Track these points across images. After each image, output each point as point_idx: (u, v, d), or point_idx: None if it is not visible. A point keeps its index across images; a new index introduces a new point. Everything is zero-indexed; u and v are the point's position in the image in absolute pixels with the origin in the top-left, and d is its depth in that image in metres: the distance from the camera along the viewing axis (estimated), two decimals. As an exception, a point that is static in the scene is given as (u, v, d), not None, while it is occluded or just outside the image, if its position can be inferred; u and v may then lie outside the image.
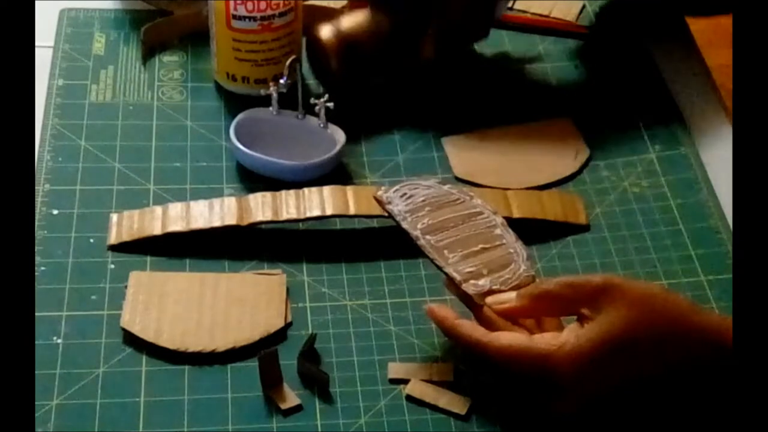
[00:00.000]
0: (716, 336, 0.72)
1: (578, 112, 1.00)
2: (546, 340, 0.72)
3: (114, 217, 0.87)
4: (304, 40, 0.99)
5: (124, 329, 0.79)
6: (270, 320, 0.81)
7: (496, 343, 0.73)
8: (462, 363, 0.79)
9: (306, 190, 0.88)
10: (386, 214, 0.83)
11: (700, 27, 1.06)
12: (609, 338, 0.71)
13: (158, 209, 0.88)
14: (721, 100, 1.01)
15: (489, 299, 0.76)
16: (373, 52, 0.97)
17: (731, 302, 0.82)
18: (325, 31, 0.96)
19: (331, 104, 0.92)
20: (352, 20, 0.97)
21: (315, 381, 0.77)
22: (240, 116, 0.94)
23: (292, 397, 0.76)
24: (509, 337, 0.73)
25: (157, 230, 0.86)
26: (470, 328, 0.75)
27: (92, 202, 0.89)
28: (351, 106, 0.96)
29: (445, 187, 0.83)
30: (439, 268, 0.78)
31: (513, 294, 0.76)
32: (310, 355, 0.78)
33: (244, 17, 0.94)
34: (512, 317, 0.75)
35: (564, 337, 0.72)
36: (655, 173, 0.94)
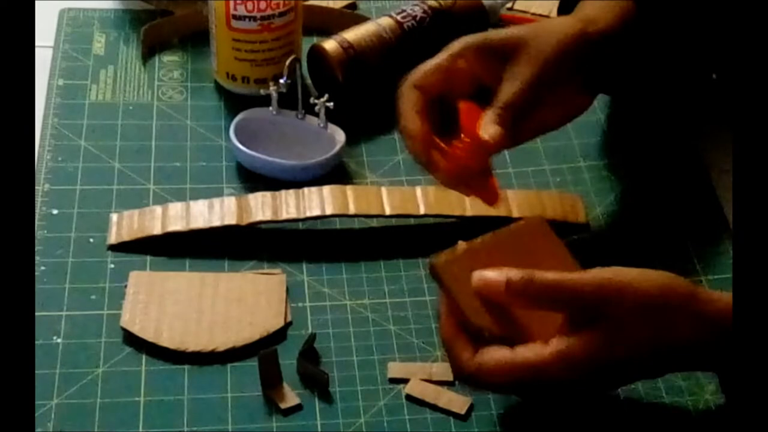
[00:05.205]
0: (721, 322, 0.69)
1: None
2: (534, 351, 0.68)
3: (114, 217, 0.87)
4: (305, 50, 0.99)
5: (124, 329, 0.79)
6: (270, 320, 0.81)
7: (484, 367, 0.69)
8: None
9: (306, 189, 0.88)
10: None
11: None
12: (608, 352, 0.68)
13: (158, 209, 0.88)
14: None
15: (476, 274, 0.71)
16: (379, 63, 0.97)
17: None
18: (331, 44, 0.97)
19: (331, 104, 0.92)
20: (358, 32, 0.98)
21: (315, 381, 0.77)
22: (240, 116, 0.94)
23: (291, 397, 0.76)
24: (494, 355, 0.69)
25: (157, 230, 0.86)
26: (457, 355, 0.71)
27: (92, 202, 0.89)
28: (351, 106, 0.96)
29: None
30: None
31: (504, 276, 0.70)
32: (309, 354, 0.78)
33: (244, 17, 0.94)
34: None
35: (554, 345, 0.68)
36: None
